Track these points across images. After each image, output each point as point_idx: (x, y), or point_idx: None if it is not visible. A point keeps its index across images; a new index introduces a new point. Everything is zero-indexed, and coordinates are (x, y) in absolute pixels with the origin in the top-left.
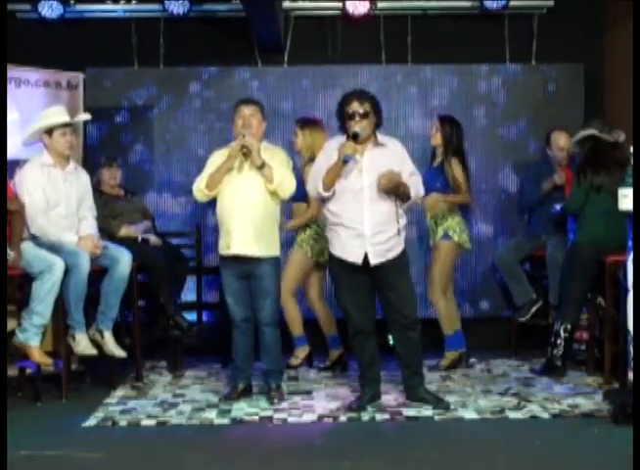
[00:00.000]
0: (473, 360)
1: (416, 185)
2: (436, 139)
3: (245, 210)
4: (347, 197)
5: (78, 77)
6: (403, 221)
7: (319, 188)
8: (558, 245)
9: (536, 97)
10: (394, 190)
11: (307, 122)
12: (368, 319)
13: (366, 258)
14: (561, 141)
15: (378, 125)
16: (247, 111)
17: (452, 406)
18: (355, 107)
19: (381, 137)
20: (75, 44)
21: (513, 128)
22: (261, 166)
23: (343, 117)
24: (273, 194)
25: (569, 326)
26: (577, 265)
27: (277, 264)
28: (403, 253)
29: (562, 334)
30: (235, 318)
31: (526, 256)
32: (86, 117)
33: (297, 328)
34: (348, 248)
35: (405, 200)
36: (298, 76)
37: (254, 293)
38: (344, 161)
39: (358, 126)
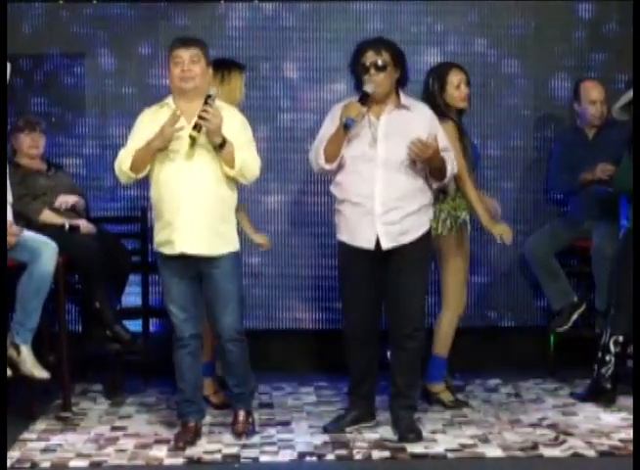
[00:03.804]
0: (497, 382)
1: (451, 163)
2: (465, 98)
3: (192, 196)
4: (357, 167)
5: None
6: (427, 197)
7: (320, 160)
8: (606, 234)
9: (582, 41)
10: (428, 162)
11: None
12: (368, 322)
13: (378, 242)
14: (593, 93)
15: (402, 83)
16: (186, 55)
17: (471, 441)
18: (370, 57)
19: (405, 98)
20: None
21: (551, 83)
22: (222, 145)
23: (358, 72)
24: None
25: (620, 338)
26: (632, 260)
27: (238, 261)
28: (424, 238)
29: (612, 348)
30: (181, 335)
31: (565, 247)
32: None
33: None
34: (357, 230)
35: (439, 177)
36: (274, 15)
37: (211, 299)
38: (345, 125)
39: (372, 81)
